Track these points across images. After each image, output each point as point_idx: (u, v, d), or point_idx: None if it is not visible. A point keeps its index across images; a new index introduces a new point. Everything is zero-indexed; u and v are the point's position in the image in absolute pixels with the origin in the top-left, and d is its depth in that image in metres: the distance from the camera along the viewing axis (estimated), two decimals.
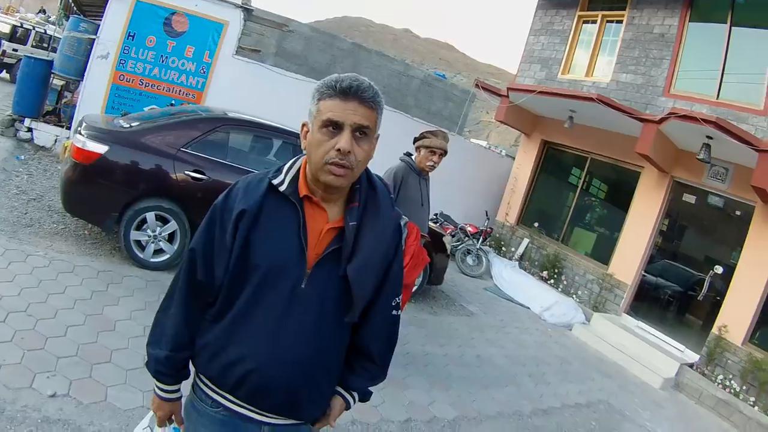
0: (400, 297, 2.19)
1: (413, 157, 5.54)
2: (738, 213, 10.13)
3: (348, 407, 2.22)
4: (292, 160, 2.04)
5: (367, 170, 2.02)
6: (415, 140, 5.55)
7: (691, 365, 9.24)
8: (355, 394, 2.21)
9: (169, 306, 2.05)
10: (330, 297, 1.93)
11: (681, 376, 9.00)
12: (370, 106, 1.84)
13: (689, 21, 11.18)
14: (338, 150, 1.79)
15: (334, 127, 1.81)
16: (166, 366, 2.03)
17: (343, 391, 2.18)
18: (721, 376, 8.84)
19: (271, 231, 1.90)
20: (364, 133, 1.85)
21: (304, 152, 1.97)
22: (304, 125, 1.95)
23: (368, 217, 1.97)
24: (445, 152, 5.49)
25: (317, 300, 1.92)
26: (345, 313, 1.96)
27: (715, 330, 9.19)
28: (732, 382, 8.70)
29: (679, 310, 11.17)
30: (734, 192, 9.83)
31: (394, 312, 2.16)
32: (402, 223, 4.94)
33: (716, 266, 9.84)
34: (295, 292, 1.89)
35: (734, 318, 9.04)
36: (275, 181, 1.94)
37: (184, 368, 2.09)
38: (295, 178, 1.96)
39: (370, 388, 2.26)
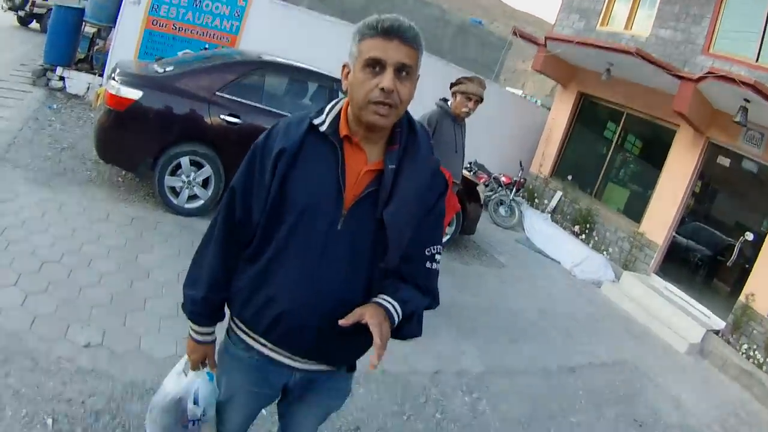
0: (438, 247, 2.09)
1: (449, 103, 5.51)
2: None
3: (391, 322, 1.86)
4: (334, 101, 2.02)
5: (407, 114, 1.99)
6: (452, 85, 5.52)
7: (716, 332, 9.13)
8: (398, 308, 1.91)
9: (206, 247, 2.06)
10: (366, 240, 1.91)
11: (706, 342, 8.89)
12: (411, 45, 1.81)
13: None
14: (382, 89, 1.77)
15: (376, 66, 1.79)
16: (202, 307, 2.05)
17: (386, 299, 1.93)
18: (745, 346, 8.72)
19: (310, 170, 1.89)
20: (407, 72, 1.82)
21: (345, 94, 1.95)
22: (345, 66, 1.93)
23: (408, 161, 1.94)
24: (481, 99, 5.47)
25: (352, 242, 1.90)
26: (381, 258, 1.94)
27: (742, 298, 9.07)
28: (756, 352, 8.55)
29: (707, 275, 11.06)
30: None
31: (429, 264, 2.05)
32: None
33: (747, 233, 9.69)
34: (330, 232, 1.88)
35: (762, 287, 8.89)
36: (316, 121, 1.93)
37: (219, 310, 2.11)
38: (336, 118, 1.94)
39: (417, 313, 2.06)
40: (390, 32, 1.78)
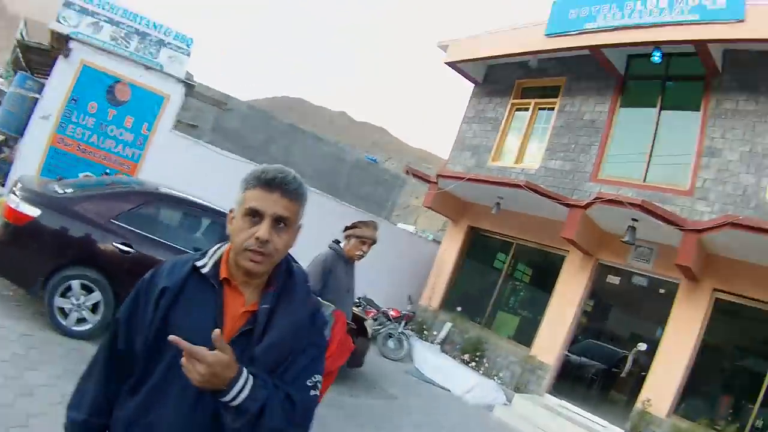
0: (314, 380, 2.12)
1: (342, 245, 5.68)
2: (662, 291, 10.49)
3: (237, 375, 1.80)
4: (218, 245, 2.14)
5: (287, 257, 2.12)
6: (346, 228, 5.71)
7: None
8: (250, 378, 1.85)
9: (91, 372, 2.10)
10: None
11: None
12: (291, 198, 1.95)
13: (620, 106, 11.80)
14: (257, 238, 1.90)
15: (255, 215, 1.92)
16: (81, 430, 2.07)
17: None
18: None
19: (190, 310, 1.98)
20: (284, 223, 1.95)
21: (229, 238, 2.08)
22: (230, 212, 2.05)
23: (283, 301, 2.05)
24: (375, 241, 5.70)
25: None
26: None
27: (638, 404, 9.38)
28: None
29: (603, 387, 11.36)
30: (658, 271, 10.19)
31: (312, 392, 2.08)
32: (328, 312, 5.13)
33: (640, 343, 10.14)
34: None
35: (659, 391, 9.26)
36: (199, 263, 2.04)
37: None
38: (218, 262, 2.06)
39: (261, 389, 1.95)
40: (272, 184, 1.92)
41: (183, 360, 1.75)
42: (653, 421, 9.12)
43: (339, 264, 5.56)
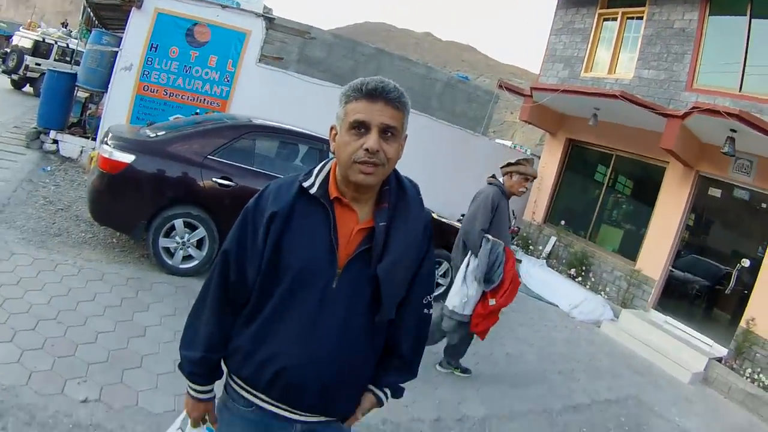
0: (432, 295, 2.22)
1: (502, 180, 5.87)
2: (764, 205, 10.07)
3: (380, 404, 2.23)
4: (322, 163, 2.08)
5: (395, 172, 2.05)
6: (509, 165, 5.90)
7: (719, 359, 9.14)
8: (387, 391, 2.23)
9: (201, 308, 2.09)
10: (361, 296, 1.96)
11: (709, 370, 8.91)
12: (396, 107, 1.88)
13: (709, 15, 11.11)
14: (366, 149, 1.83)
15: (361, 127, 1.85)
16: (200, 367, 2.07)
17: (374, 388, 2.19)
18: (749, 370, 8.73)
19: (303, 232, 1.94)
20: (392, 133, 1.88)
21: (333, 155, 2.02)
22: (332, 128, 1.99)
23: (398, 217, 2.00)
24: (535, 177, 5.95)
25: (348, 299, 1.95)
26: (376, 313, 1.99)
27: (743, 323, 9.11)
28: (761, 375, 8.57)
29: (707, 305, 11.12)
30: (759, 184, 9.75)
31: (425, 311, 2.20)
32: (500, 249, 5.58)
33: (743, 259, 9.75)
34: (326, 291, 1.92)
35: (762, 311, 8.93)
36: (306, 184, 1.98)
37: (217, 369, 2.12)
38: (326, 180, 2.00)
39: (401, 385, 2.28)
40: (374, 94, 1.85)
41: None
42: (757, 342, 8.85)
43: (502, 200, 5.78)
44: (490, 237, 5.56)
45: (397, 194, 2.03)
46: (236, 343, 2.03)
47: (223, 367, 2.14)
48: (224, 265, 2.03)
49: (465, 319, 5.61)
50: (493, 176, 5.95)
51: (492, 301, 5.55)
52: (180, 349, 2.11)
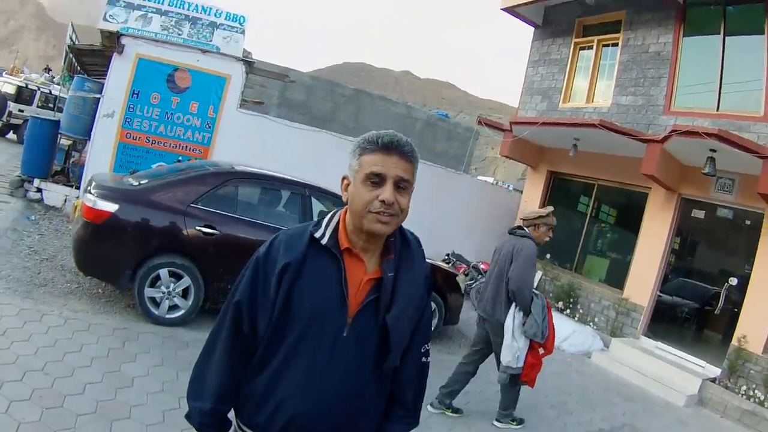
0: (429, 344, 2.27)
1: (527, 231, 6.14)
2: (748, 222, 10.18)
3: None
4: (330, 213, 2.12)
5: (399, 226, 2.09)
6: (538, 217, 6.15)
7: (713, 380, 9.18)
8: None
9: (209, 358, 2.09)
10: (370, 344, 2.00)
11: (704, 391, 8.96)
12: (409, 160, 1.95)
13: (683, 36, 11.33)
14: (382, 201, 1.88)
15: (377, 179, 1.91)
16: (211, 418, 2.06)
17: None
18: (744, 387, 8.77)
19: (314, 282, 1.97)
20: (405, 185, 1.94)
21: (345, 204, 2.06)
22: (344, 178, 2.05)
23: (404, 268, 2.05)
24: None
25: (358, 347, 1.98)
26: (383, 361, 2.03)
27: (734, 341, 9.15)
28: (756, 391, 8.61)
29: (697, 326, 11.20)
30: (742, 202, 9.86)
31: (424, 359, 2.24)
32: (542, 301, 5.90)
33: (731, 278, 9.86)
34: (337, 339, 1.96)
35: (753, 327, 8.99)
36: (317, 234, 2.02)
37: (227, 419, 2.12)
38: (335, 231, 2.04)
39: None
40: (390, 148, 1.92)
41: None
42: (750, 359, 8.89)
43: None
44: (537, 292, 5.85)
45: (401, 246, 2.09)
46: (247, 391, 2.04)
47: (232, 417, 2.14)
48: (237, 316, 2.04)
49: (519, 371, 5.79)
50: (520, 227, 6.21)
51: (541, 350, 5.86)
52: (188, 400, 2.09)
